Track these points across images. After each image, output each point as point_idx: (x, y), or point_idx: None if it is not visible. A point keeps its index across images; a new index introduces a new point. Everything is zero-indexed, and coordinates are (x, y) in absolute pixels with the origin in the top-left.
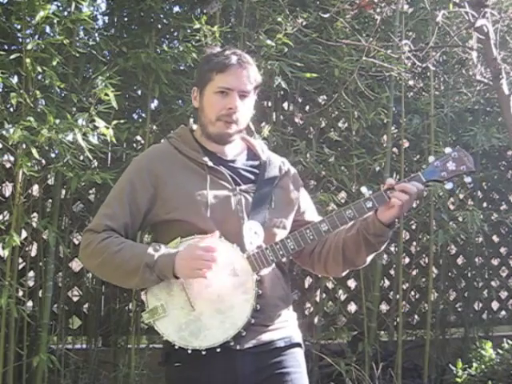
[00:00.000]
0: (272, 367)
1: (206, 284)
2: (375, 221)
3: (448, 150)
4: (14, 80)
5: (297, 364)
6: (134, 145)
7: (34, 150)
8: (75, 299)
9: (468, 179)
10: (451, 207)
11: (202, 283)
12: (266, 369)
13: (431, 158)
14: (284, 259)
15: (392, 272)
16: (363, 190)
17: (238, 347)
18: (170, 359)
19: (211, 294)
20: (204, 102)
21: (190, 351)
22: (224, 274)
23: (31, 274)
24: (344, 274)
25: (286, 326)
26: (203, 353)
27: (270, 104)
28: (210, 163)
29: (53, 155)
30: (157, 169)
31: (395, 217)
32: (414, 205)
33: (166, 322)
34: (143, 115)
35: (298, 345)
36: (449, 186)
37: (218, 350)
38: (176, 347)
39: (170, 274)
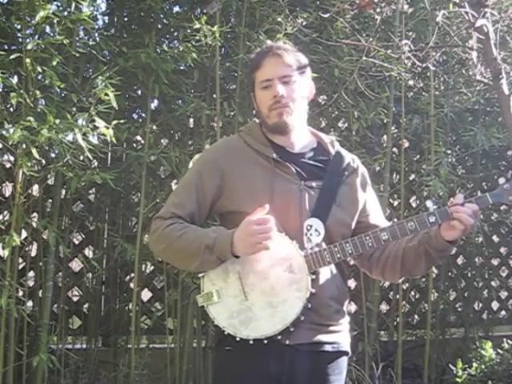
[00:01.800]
0: (318, 371)
1: (262, 276)
2: (438, 236)
3: None
4: (14, 80)
5: (339, 372)
6: (134, 145)
7: (34, 150)
8: (75, 299)
9: None
10: None
11: (258, 275)
12: (312, 370)
13: (502, 180)
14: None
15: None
16: (428, 204)
17: (287, 342)
18: (220, 344)
19: (265, 286)
20: (257, 102)
21: (238, 339)
22: (280, 269)
23: (31, 274)
24: (400, 280)
25: (337, 331)
26: (251, 342)
27: None
28: (277, 157)
29: (53, 155)
30: (224, 161)
31: (457, 237)
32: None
33: (219, 307)
34: (143, 115)
35: (345, 353)
36: None
37: (265, 341)
38: (226, 333)
39: (229, 254)
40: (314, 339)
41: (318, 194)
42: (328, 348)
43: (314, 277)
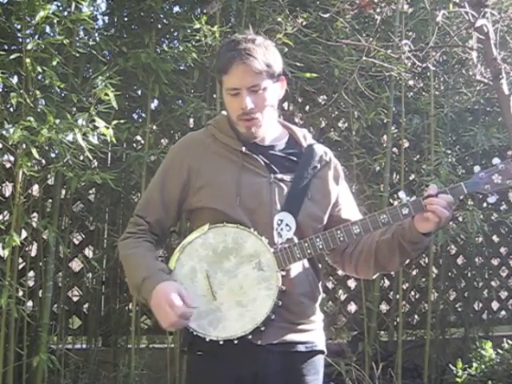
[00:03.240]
0: (293, 372)
1: (230, 275)
2: (412, 228)
3: (496, 160)
4: (14, 80)
5: (315, 372)
6: (134, 145)
7: (33, 150)
8: (75, 299)
9: (493, 198)
10: None
11: (226, 273)
12: (287, 372)
13: (477, 168)
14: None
15: (392, 272)
16: (401, 195)
17: (258, 342)
18: (192, 348)
19: (234, 285)
20: (225, 102)
21: (207, 340)
22: (249, 266)
23: (31, 274)
24: (374, 276)
25: (310, 330)
26: (221, 343)
27: None
28: (245, 149)
29: (53, 155)
30: (189, 157)
31: (432, 229)
32: None
33: None
34: (143, 115)
35: (320, 352)
36: (492, 199)
37: (236, 342)
38: (194, 334)
39: (149, 302)
40: (287, 339)
41: (289, 187)
42: (301, 348)
43: (284, 273)
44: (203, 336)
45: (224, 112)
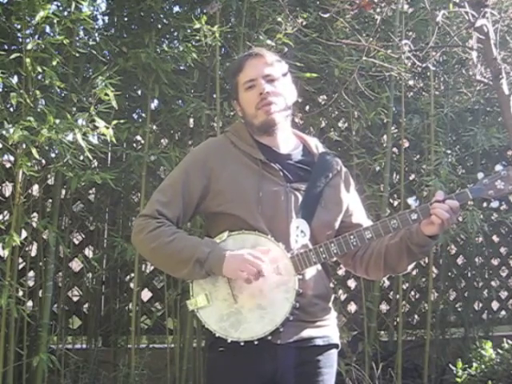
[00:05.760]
0: (309, 365)
1: None
2: (419, 232)
3: (498, 167)
4: (14, 80)
5: (330, 365)
6: (134, 145)
7: (34, 150)
8: (75, 299)
9: (496, 203)
10: None
11: None
12: (303, 365)
13: (480, 175)
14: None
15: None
16: (410, 201)
17: (278, 341)
18: (213, 345)
19: (254, 289)
20: (243, 105)
21: (229, 341)
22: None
23: (31, 274)
24: (385, 277)
25: (325, 326)
26: (241, 344)
27: None
28: (264, 158)
29: (53, 155)
30: (212, 161)
31: (437, 232)
32: None
33: (209, 311)
34: (143, 115)
35: (335, 346)
36: (495, 204)
37: (256, 343)
38: (216, 336)
39: (219, 272)
40: (304, 335)
41: (304, 195)
42: (319, 342)
43: (300, 277)
44: (225, 337)
45: (239, 121)
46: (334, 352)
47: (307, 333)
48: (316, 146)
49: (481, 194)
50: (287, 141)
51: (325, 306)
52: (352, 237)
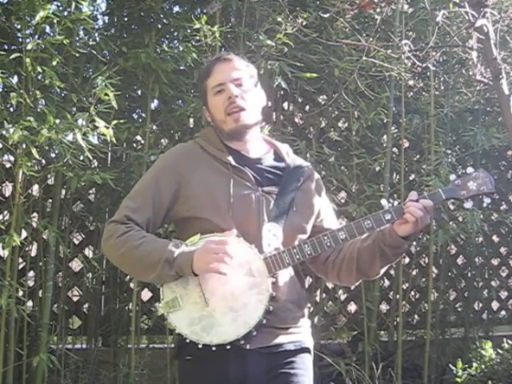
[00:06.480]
0: (280, 367)
1: (222, 281)
2: (392, 232)
3: (470, 169)
4: (14, 80)
5: (304, 367)
6: (134, 145)
7: (33, 150)
8: (75, 299)
9: (469, 204)
10: (451, 207)
11: (217, 280)
12: (274, 368)
13: (452, 177)
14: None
15: (392, 272)
16: (383, 202)
17: (248, 347)
18: (181, 353)
19: (226, 291)
20: (212, 110)
21: (200, 346)
22: (240, 273)
23: (31, 274)
24: (356, 284)
25: (298, 333)
26: (213, 349)
27: (269, 104)
28: (234, 163)
29: (53, 155)
30: (181, 166)
31: (410, 232)
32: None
33: (180, 315)
34: (143, 115)
35: (307, 350)
36: (468, 205)
37: (228, 347)
38: (187, 341)
39: (189, 271)
40: (275, 342)
41: (275, 199)
42: (290, 347)
43: (273, 280)
44: (196, 342)
45: (210, 126)
46: (306, 356)
47: (278, 339)
48: (287, 152)
49: (453, 195)
50: (257, 146)
51: (297, 312)
52: (326, 237)
